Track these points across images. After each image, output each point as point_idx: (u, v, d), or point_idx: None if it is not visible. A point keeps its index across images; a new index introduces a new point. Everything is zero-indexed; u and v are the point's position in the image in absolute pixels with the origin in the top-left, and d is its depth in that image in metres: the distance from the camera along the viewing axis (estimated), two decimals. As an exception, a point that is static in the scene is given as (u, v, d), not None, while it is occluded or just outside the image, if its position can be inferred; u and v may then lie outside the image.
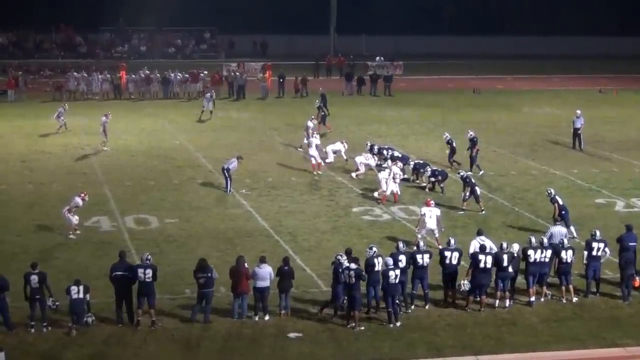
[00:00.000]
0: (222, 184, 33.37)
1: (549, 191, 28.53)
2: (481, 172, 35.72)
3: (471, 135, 36.66)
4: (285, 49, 79.61)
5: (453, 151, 36.73)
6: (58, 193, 32.46)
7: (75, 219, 27.68)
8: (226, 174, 32.92)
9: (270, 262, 21.92)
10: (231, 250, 25.90)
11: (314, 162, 35.92)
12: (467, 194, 30.46)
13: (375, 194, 32.10)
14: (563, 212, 27.51)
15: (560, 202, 27.84)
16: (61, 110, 44.47)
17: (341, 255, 21.45)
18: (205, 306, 21.08)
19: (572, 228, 27.29)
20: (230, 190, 32.75)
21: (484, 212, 30.33)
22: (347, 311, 21.18)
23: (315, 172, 35.67)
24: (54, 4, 76.05)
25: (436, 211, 26.83)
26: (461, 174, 31.51)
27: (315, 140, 36.99)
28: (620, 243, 23.41)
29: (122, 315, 20.99)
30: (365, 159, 35.24)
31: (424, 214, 26.70)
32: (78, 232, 27.70)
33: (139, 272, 20.91)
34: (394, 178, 31.74)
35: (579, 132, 41.37)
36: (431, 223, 26.49)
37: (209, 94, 49.96)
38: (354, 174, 35.22)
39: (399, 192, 31.88)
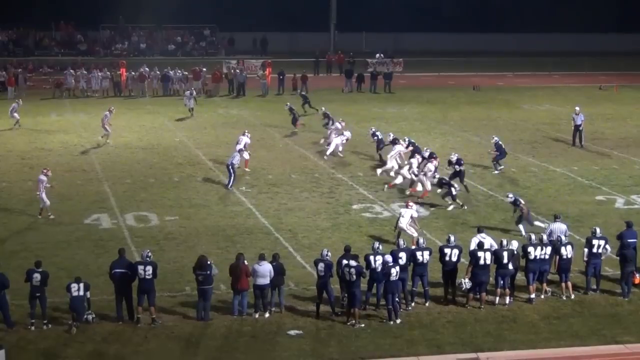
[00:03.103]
0: (222, 181, 33.39)
1: (509, 196, 28.55)
2: (500, 168, 35.86)
3: (495, 140, 36.62)
4: (285, 46, 79.56)
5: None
6: (58, 190, 32.42)
7: (47, 202, 28.91)
8: (231, 169, 32.92)
9: (270, 259, 21.90)
10: (231, 247, 25.91)
11: (247, 157, 35.72)
12: (446, 191, 30.54)
13: (408, 191, 32.19)
14: (521, 212, 27.64)
15: (523, 202, 27.91)
16: (15, 106, 44.65)
17: (327, 251, 21.61)
18: (205, 303, 21.08)
19: (521, 226, 27.40)
20: (230, 187, 32.73)
21: (465, 207, 30.32)
22: (347, 308, 21.20)
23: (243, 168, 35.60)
24: (54, 1, 76.00)
25: (411, 212, 26.83)
26: (436, 176, 31.46)
27: (245, 138, 36.49)
28: (621, 240, 23.40)
29: (122, 313, 20.99)
30: (398, 150, 35.03)
31: (400, 214, 26.92)
32: (47, 215, 28.88)
33: (139, 270, 20.92)
34: (425, 174, 31.98)
35: (580, 128, 41.36)
36: (403, 222, 26.54)
37: (188, 92, 49.68)
38: (379, 170, 35.09)
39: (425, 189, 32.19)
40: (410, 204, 27.45)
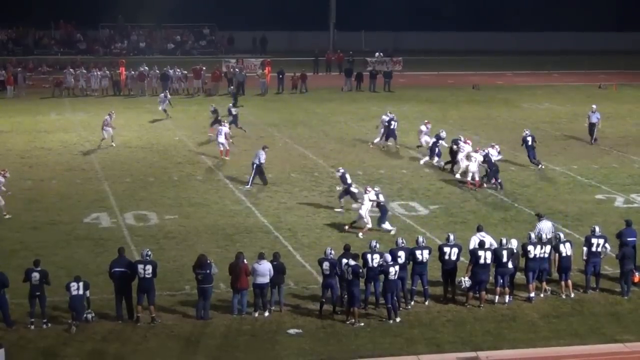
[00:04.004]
0: (222, 180, 33.38)
1: (375, 189, 28.40)
2: (540, 166, 36.18)
3: (525, 134, 36.80)
4: (285, 45, 79.57)
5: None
6: (57, 189, 32.52)
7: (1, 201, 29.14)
8: (259, 169, 32.89)
9: (270, 258, 21.90)
10: (231, 246, 25.91)
11: (221, 148, 37.26)
12: (342, 191, 30.25)
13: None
14: (384, 210, 27.73)
15: (382, 200, 27.91)
16: None
17: (331, 249, 21.61)
18: (204, 302, 21.08)
19: (385, 225, 27.39)
20: (250, 185, 32.72)
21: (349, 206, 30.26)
22: (346, 307, 21.20)
23: (223, 157, 37.12)
24: (54, 1, 75.99)
25: (370, 197, 27.19)
26: (340, 172, 30.76)
27: (225, 128, 37.84)
28: (620, 239, 23.42)
29: (122, 312, 21.00)
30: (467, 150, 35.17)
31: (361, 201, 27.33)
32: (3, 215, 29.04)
33: (138, 268, 20.93)
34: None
35: (598, 126, 41.50)
36: (363, 209, 26.94)
37: (162, 94, 49.23)
38: (456, 172, 35.05)
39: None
40: (369, 189, 27.56)
